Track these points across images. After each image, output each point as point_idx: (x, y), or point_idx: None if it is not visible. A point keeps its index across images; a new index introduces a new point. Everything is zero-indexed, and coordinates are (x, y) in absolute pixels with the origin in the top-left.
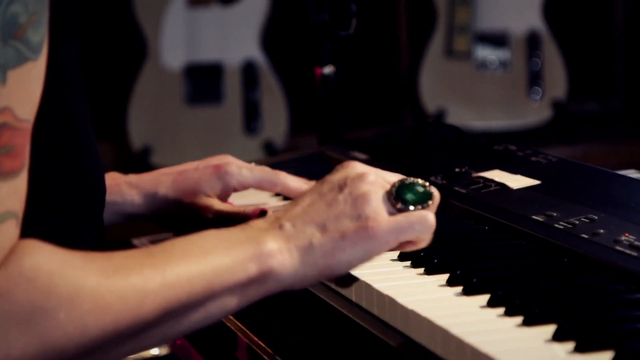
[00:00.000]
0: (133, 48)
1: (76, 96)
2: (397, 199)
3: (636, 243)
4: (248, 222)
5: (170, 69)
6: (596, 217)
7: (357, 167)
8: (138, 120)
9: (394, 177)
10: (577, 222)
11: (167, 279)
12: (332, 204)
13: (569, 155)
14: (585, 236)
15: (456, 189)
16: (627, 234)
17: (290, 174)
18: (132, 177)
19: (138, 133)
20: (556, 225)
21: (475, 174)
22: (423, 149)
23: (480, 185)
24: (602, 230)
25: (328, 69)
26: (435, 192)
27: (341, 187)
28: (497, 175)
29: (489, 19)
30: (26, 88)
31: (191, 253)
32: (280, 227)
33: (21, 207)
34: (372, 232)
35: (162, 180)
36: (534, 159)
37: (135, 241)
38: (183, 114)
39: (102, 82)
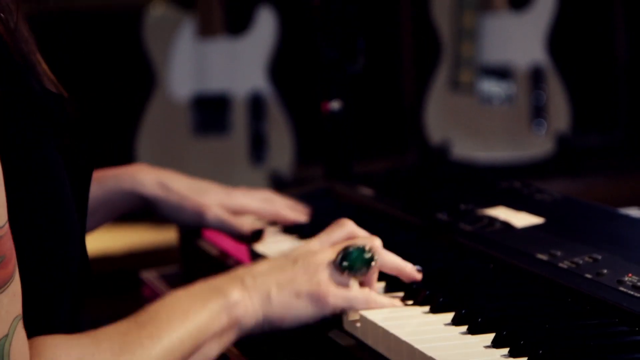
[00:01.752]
0: (142, 78)
1: (57, 188)
2: (344, 268)
3: (639, 284)
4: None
5: (178, 100)
6: (600, 257)
7: (310, 246)
8: (146, 150)
9: (341, 246)
10: (581, 261)
11: (165, 346)
12: (288, 270)
13: (572, 188)
14: (589, 276)
15: (461, 226)
16: (630, 275)
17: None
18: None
19: (145, 163)
20: (560, 264)
21: (480, 212)
22: (429, 185)
23: (485, 223)
24: (605, 271)
25: (336, 104)
26: (378, 253)
27: (296, 259)
28: (502, 212)
29: (494, 52)
30: None
31: (175, 317)
32: (242, 280)
33: (21, 304)
34: (322, 296)
35: (175, 176)
36: (538, 196)
37: (144, 275)
38: (190, 143)
39: (111, 111)
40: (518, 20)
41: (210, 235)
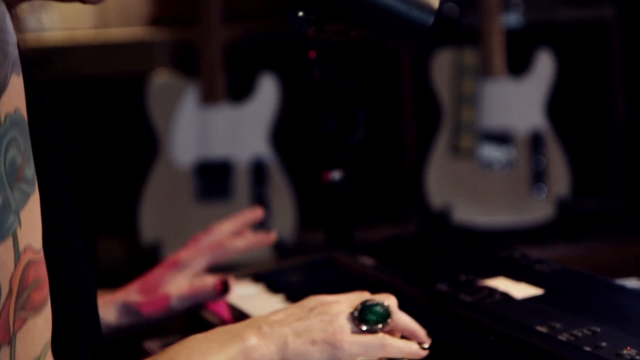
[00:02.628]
0: (146, 144)
1: (68, 226)
2: (360, 321)
3: (638, 357)
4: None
5: (181, 166)
6: (599, 330)
7: (326, 297)
8: (149, 216)
9: (359, 300)
10: (580, 334)
11: None
12: (304, 318)
13: (573, 253)
14: (588, 349)
15: (462, 297)
16: (629, 348)
17: (299, 278)
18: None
19: (149, 228)
20: (559, 337)
21: (480, 282)
22: (429, 255)
23: (485, 294)
24: (604, 344)
25: (336, 174)
26: (394, 311)
27: (312, 309)
28: (501, 283)
29: (494, 118)
30: (34, 220)
31: (193, 358)
32: (259, 328)
33: (50, 332)
34: (338, 343)
35: (128, 291)
36: (537, 266)
37: (147, 344)
38: (193, 209)
39: (115, 177)
40: (517, 86)
41: (212, 305)
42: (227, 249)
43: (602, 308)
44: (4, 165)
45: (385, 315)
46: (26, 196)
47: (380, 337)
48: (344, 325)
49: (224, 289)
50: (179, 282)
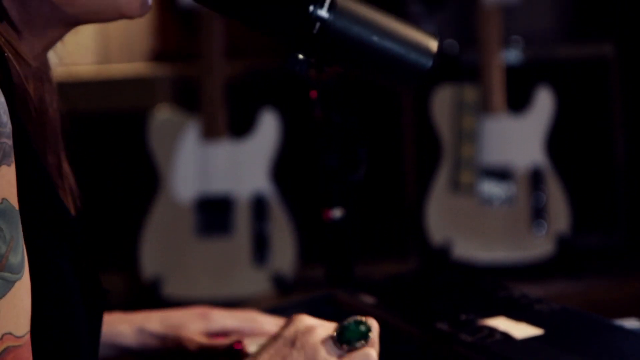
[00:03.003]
0: (147, 180)
1: (71, 316)
2: (342, 341)
3: None
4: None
5: (182, 201)
6: None
7: (304, 321)
8: (150, 251)
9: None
10: None
11: None
12: (287, 355)
13: (573, 290)
14: None
15: (462, 337)
16: None
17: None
18: (124, 314)
19: (149, 264)
20: None
21: (480, 322)
22: (430, 293)
23: (486, 333)
24: None
25: (337, 213)
26: (374, 324)
27: (293, 341)
28: (502, 323)
29: (494, 154)
30: (18, 306)
31: None
32: None
33: None
34: None
35: (151, 316)
36: (537, 306)
37: None
38: (193, 245)
39: (116, 213)
40: (517, 122)
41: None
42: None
43: (601, 349)
44: None
45: (365, 331)
46: (9, 284)
47: (363, 352)
48: (327, 353)
49: (239, 353)
50: (197, 329)
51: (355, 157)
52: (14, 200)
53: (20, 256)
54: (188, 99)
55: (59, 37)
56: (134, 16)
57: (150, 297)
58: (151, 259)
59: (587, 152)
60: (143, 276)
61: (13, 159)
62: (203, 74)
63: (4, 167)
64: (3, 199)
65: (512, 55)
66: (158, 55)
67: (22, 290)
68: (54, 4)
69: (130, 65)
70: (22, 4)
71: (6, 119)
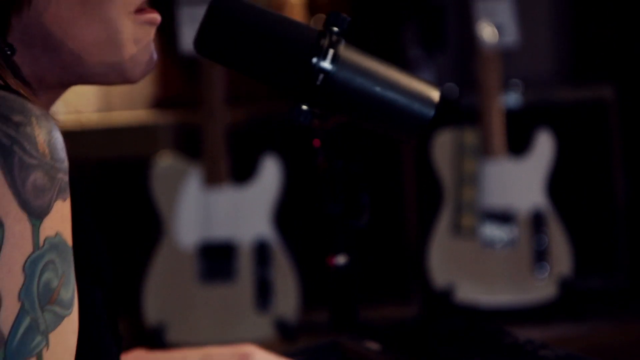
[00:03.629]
0: (150, 226)
1: (102, 339)
2: None
3: None
4: None
5: (185, 248)
6: None
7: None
8: (153, 298)
9: None
10: None
11: None
12: None
13: (576, 332)
14: None
15: None
16: None
17: None
18: (159, 354)
19: (152, 310)
20: None
21: None
22: (434, 340)
23: None
24: None
25: (341, 259)
26: None
27: None
28: None
29: (495, 197)
30: (65, 343)
31: None
32: None
33: None
34: None
35: (190, 355)
36: (541, 352)
37: None
38: (196, 291)
39: (119, 259)
40: (518, 165)
41: None
42: None
43: None
44: (37, 287)
45: None
46: (59, 318)
47: None
48: None
49: None
50: None
51: (358, 203)
52: (67, 236)
53: (70, 293)
54: (190, 145)
55: (63, 93)
56: (135, 81)
57: (153, 343)
58: (154, 305)
59: (588, 195)
60: (146, 322)
61: (68, 196)
62: (205, 121)
63: (60, 201)
64: (57, 233)
65: (512, 98)
66: (160, 102)
67: (70, 327)
68: (64, 64)
69: (132, 113)
70: (34, 62)
71: (63, 155)
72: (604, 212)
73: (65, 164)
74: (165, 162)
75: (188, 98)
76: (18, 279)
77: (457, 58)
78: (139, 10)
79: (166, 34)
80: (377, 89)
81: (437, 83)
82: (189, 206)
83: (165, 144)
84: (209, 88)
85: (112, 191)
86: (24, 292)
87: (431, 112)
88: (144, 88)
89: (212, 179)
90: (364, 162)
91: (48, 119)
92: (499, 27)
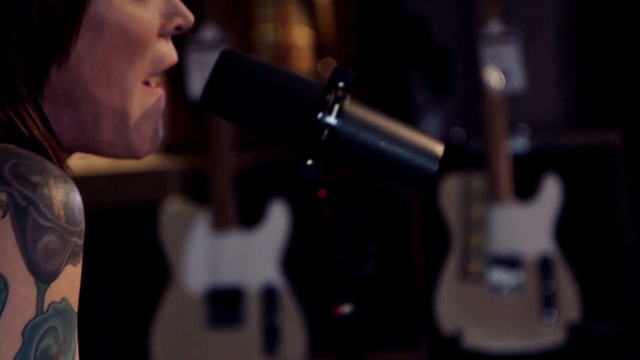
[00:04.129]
0: (157, 272)
1: None
2: None
3: None
4: None
5: (192, 293)
6: None
7: None
8: (160, 343)
9: None
10: None
11: None
12: None
13: None
14: None
15: None
16: None
17: None
18: None
19: (160, 355)
20: None
21: None
22: None
23: None
24: None
25: (347, 308)
26: None
27: None
28: None
29: (502, 242)
30: None
31: None
32: None
33: None
34: None
35: None
36: None
37: None
38: (204, 336)
39: (127, 304)
40: (525, 210)
41: None
42: None
43: None
44: (34, 352)
45: None
46: None
47: None
48: None
49: None
50: None
51: (364, 253)
52: (73, 301)
53: (70, 358)
54: (198, 190)
55: (70, 157)
56: (140, 156)
57: None
58: (162, 350)
59: (596, 240)
60: None
61: (80, 260)
62: (212, 166)
63: (70, 266)
64: (63, 298)
65: (519, 143)
66: (168, 147)
67: None
68: (81, 125)
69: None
70: (54, 119)
71: (80, 218)
72: (612, 257)
73: (81, 227)
74: (173, 207)
75: (196, 143)
76: (15, 343)
77: (464, 103)
78: (148, 83)
79: (175, 79)
80: (382, 143)
81: (443, 133)
82: (197, 251)
83: (174, 189)
84: (217, 133)
85: (121, 236)
86: (20, 357)
87: (435, 167)
88: None
89: (219, 224)
90: (371, 208)
91: (67, 180)
92: (505, 73)
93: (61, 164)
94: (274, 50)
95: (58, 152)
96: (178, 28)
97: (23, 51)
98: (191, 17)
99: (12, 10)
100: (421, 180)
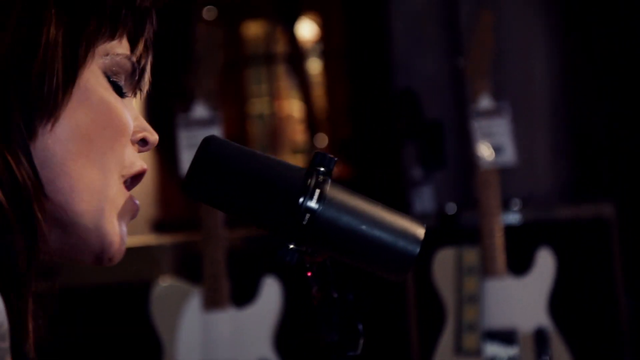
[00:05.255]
0: (150, 351)
1: None
2: None
3: None
4: None
5: None
6: None
7: None
8: None
9: None
10: None
11: None
12: None
13: None
14: None
15: None
16: None
17: None
18: None
19: None
20: None
21: None
22: None
23: None
24: None
25: None
26: None
27: None
28: None
29: (497, 317)
30: None
31: None
32: None
33: None
34: None
35: None
36: None
37: None
38: None
39: None
40: (519, 284)
41: None
42: None
43: None
44: None
45: None
46: None
47: None
48: None
49: None
50: None
51: (354, 332)
52: None
53: None
54: (190, 267)
55: None
56: (110, 256)
57: None
58: None
59: (591, 313)
60: None
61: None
62: (204, 244)
63: None
64: None
65: (512, 216)
66: (160, 224)
67: None
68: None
69: (133, 237)
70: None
71: (2, 317)
72: (607, 329)
73: (4, 327)
74: (165, 285)
75: (188, 220)
76: None
77: (457, 177)
78: (125, 180)
79: (167, 157)
80: (363, 227)
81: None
82: (190, 329)
83: (166, 267)
84: (209, 210)
85: (113, 314)
86: None
87: (416, 250)
88: (145, 211)
89: (212, 302)
90: (365, 282)
91: None
92: (497, 147)
93: (43, 214)
94: (268, 123)
95: (43, 201)
96: (144, 141)
97: (20, 101)
98: (156, 136)
99: (17, 59)
100: (402, 264)
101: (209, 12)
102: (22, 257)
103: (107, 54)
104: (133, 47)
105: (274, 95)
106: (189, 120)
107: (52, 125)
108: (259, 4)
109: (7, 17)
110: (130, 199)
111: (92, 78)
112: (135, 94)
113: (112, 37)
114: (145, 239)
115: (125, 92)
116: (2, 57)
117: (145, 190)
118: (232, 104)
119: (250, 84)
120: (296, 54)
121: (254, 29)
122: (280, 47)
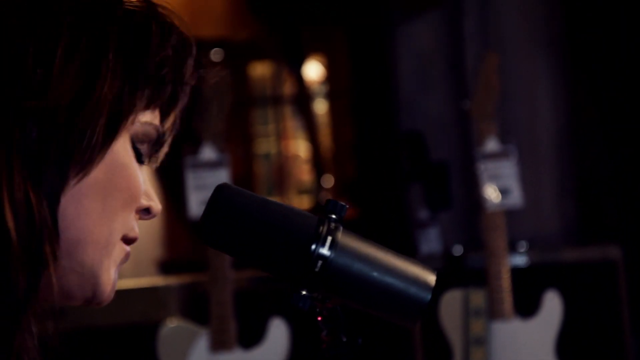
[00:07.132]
0: None
1: None
2: None
3: None
4: None
5: None
6: None
7: None
8: None
9: None
10: None
11: None
12: None
13: None
14: None
15: None
16: None
17: None
18: None
19: None
20: None
21: None
22: None
23: None
24: None
25: None
26: None
27: None
28: None
29: (505, 359)
30: None
31: None
32: None
33: None
34: None
35: None
36: None
37: None
38: None
39: None
40: (526, 327)
41: None
42: None
43: None
44: None
45: None
46: None
47: None
48: None
49: None
50: None
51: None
52: None
53: None
54: (197, 308)
55: None
56: (100, 300)
57: None
58: None
59: (598, 355)
60: None
61: None
62: (211, 286)
63: None
64: None
65: (519, 258)
66: (167, 265)
67: None
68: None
69: (139, 278)
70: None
71: None
72: None
73: None
74: (172, 326)
75: (195, 261)
76: None
77: (463, 218)
78: (125, 240)
79: (174, 198)
80: (375, 274)
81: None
82: None
83: (173, 308)
84: (215, 252)
85: (120, 356)
86: None
87: (428, 296)
88: (152, 252)
89: (219, 343)
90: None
91: None
92: (504, 189)
93: (53, 260)
94: (274, 163)
95: (55, 248)
96: (147, 210)
97: (60, 148)
98: (160, 207)
99: (69, 105)
100: (414, 310)
101: (215, 54)
102: (20, 297)
103: (138, 121)
104: (163, 117)
105: (280, 135)
106: (197, 162)
107: (80, 180)
108: (265, 46)
109: (72, 61)
110: (126, 253)
111: (121, 140)
112: (150, 162)
113: (149, 106)
114: (152, 280)
115: (143, 160)
116: (57, 98)
117: (152, 231)
118: (239, 143)
119: (257, 124)
120: (303, 94)
121: (260, 70)
122: (287, 87)
